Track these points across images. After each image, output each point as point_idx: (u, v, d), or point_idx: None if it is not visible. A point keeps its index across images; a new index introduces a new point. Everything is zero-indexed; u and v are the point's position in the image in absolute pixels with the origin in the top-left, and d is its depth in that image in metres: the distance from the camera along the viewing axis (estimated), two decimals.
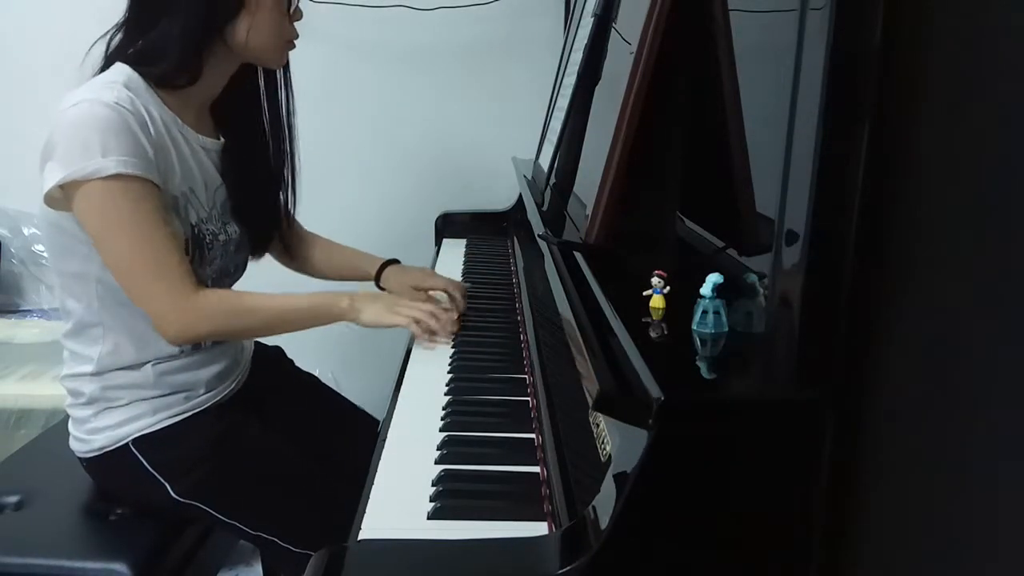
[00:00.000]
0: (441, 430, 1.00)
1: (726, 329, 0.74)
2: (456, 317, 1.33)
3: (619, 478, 0.65)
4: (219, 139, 1.30)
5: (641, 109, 0.91)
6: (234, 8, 1.16)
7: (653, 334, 0.77)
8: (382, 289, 1.50)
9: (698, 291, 0.75)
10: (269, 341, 1.52)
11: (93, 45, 1.19)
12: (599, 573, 0.63)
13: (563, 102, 1.36)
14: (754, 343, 0.73)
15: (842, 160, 0.62)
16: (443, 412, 1.04)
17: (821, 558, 0.67)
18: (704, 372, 0.72)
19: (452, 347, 1.25)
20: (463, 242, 1.96)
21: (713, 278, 0.74)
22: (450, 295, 1.40)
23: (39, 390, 1.92)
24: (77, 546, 1.18)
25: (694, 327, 0.75)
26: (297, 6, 1.25)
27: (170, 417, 1.22)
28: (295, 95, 1.36)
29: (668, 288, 0.79)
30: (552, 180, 1.38)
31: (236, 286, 1.35)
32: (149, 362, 1.21)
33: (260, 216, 1.36)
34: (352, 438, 1.35)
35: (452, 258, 1.81)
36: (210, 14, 1.15)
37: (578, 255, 0.99)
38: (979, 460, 0.54)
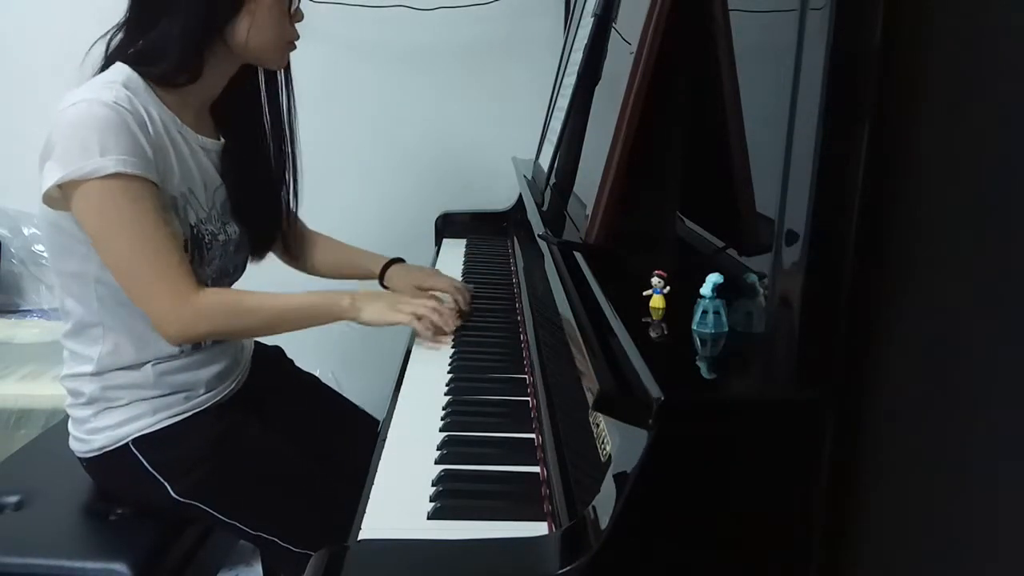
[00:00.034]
0: (441, 430, 1.00)
1: (726, 329, 0.74)
2: (458, 314, 1.33)
3: (619, 478, 0.65)
4: (219, 139, 1.30)
5: (641, 109, 0.91)
6: (234, 7, 1.16)
7: (653, 334, 0.77)
8: (386, 288, 1.50)
9: (698, 291, 0.75)
10: (269, 341, 1.52)
11: (93, 45, 1.19)
12: (599, 573, 0.63)
13: (563, 102, 1.36)
14: (754, 343, 0.73)
15: (842, 160, 0.62)
16: (443, 412, 1.04)
17: (821, 558, 0.67)
18: (704, 372, 0.72)
19: (452, 347, 1.25)
20: (463, 242, 1.96)
21: (713, 278, 0.74)
22: (454, 296, 1.40)
23: (39, 390, 1.92)
24: (77, 546, 1.18)
25: (694, 327, 0.75)
26: (298, 7, 1.25)
27: (170, 417, 1.22)
28: (295, 95, 1.36)
29: (668, 288, 0.79)
30: (552, 180, 1.38)
31: (236, 286, 1.35)
32: (149, 362, 1.21)
33: (260, 216, 1.36)
34: (352, 438, 1.35)
35: (452, 258, 1.81)
36: (210, 14, 1.15)
37: (578, 255, 0.99)
38: (979, 460, 0.54)
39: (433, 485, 0.87)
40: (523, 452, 0.94)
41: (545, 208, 1.35)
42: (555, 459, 0.87)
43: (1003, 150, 0.52)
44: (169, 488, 1.19)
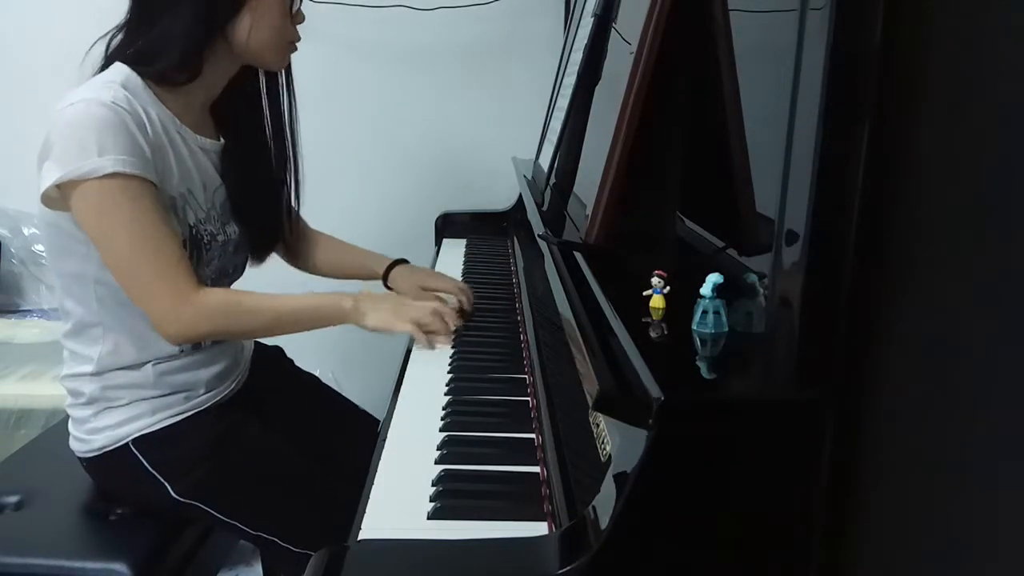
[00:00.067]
0: (441, 430, 1.00)
1: (726, 329, 0.74)
2: (460, 314, 1.32)
3: (619, 478, 0.65)
4: (219, 140, 1.30)
5: (641, 109, 0.91)
6: (236, 6, 1.16)
7: (653, 334, 0.77)
8: (389, 289, 1.49)
9: (698, 291, 0.75)
10: (269, 341, 1.52)
11: (93, 45, 1.19)
12: (599, 573, 0.63)
13: (563, 102, 1.36)
14: (754, 343, 0.73)
15: (842, 160, 0.62)
16: (443, 412, 1.04)
17: (821, 558, 0.67)
18: (704, 372, 0.72)
19: (452, 347, 1.25)
20: (463, 242, 1.96)
21: (713, 278, 0.74)
22: (458, 297, 1.39)
23: (39, 390, 1.92)
24: (77, 546, 1.18)
25: (694, 327, 0.75)
26: (299, 8, 1.25)
27: (170, 417, 1.22)
28: (296, 97, 1.36)
29: (668, 288, 0.79)
30: (552, 180, 1.38)
31: (235, 286, 1.35)
32: (149, 362, 1.21)
33: (260, 217, 1.36)
34: (352, 438, 1.35)
35: (452, 258, 1.81)
36: (212, 11, 1.14)
37: (578, 255, 0.99)
38: (979, 460, 0.54)
39: (433, 485, 0.87)
40: (523, 452, 0.94)
41: (545, 208, 1.35)
42: (555, 459, 0.87)
43: (1003, 150, 0.52)
44: (169, 488, 1.19)
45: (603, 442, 0.73)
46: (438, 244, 1.98)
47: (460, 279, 1.52)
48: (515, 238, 1.84)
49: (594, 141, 1.10)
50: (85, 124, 1.06)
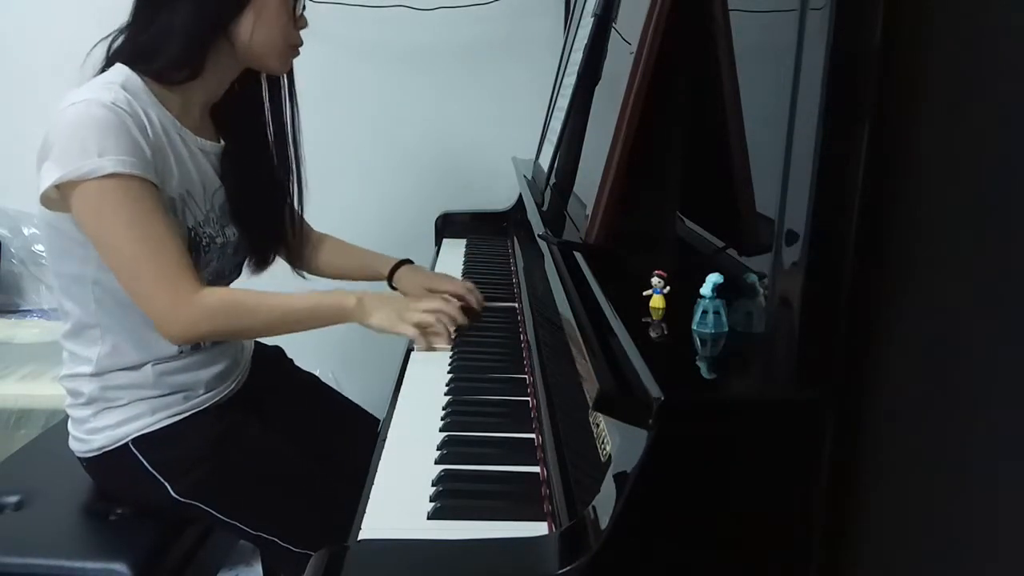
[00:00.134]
0: (441, 430, 1.00)
1: (726, 329, 0.74)
2: (471, 314, 1.31)
3: (619, 478, 0.65)
4: (219, 142, 1.30)
5: (641, 109, 0.91)
6: (239, 4, 1.16)
7: (653, 334, 0.77)
8: (394, 289, 1.49)
9: (698, 291, 0.75)
10: (269, 341, 1.52)
11: (94, 47, 1.19)
12: (599, 573, 0.63)
13: (563, 102, 1.36)
14: (754, 343, 0.73)
15: (842, 160, 0.62)
16: (443, 412, 1.04)
17: (821, 558, 0.67)
18: (704, 372, 0.72)
19: (452, 347, 1.25)
20: (463, 242, 1.96)
21: (713, 278, 0.74)
22: (466, 297, 1.39)
23: (39, 390, 1.92)
24: (77, 546, 1.18)
25: (694, 327, 0.75)
26: (303, 13, 1.25)
27: (170, 417, 1.22)
28: (298, 100, 1.36)
29: (668, 288, 0.79)
30: (552, 180, 1.38)
31: (233, 286, 1.35)
32: (148, 363, 1.21)
33: (259, 220, 1.35)
34: (352, 438, 1.35)
35: (452, 258, 1.81)
36: (214, 9, 1.14)
37: (578, 255, 0.99)
38: (979, 460, 0.54)
39: (433, 485, 0.87)
40: (523, 452, 0.94)
41: (545, 208, 1.35)
42: (555, 459, 0.87)
43: (1003, 150, 0.52)
44: (169, 488, 1.19)
45: (603, 442, 0.73)
46: (438, 244, 1.98)
47: (460, 279, 1.51)
48: (515, 238, 1.84)
49: (594, 141, 1.10)
50: (85, 124, 1.06)
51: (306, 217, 1.52)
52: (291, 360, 1.55)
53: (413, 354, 1.25)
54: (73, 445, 1.24)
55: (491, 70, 2.17)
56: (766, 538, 0.67)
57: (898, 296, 0.63)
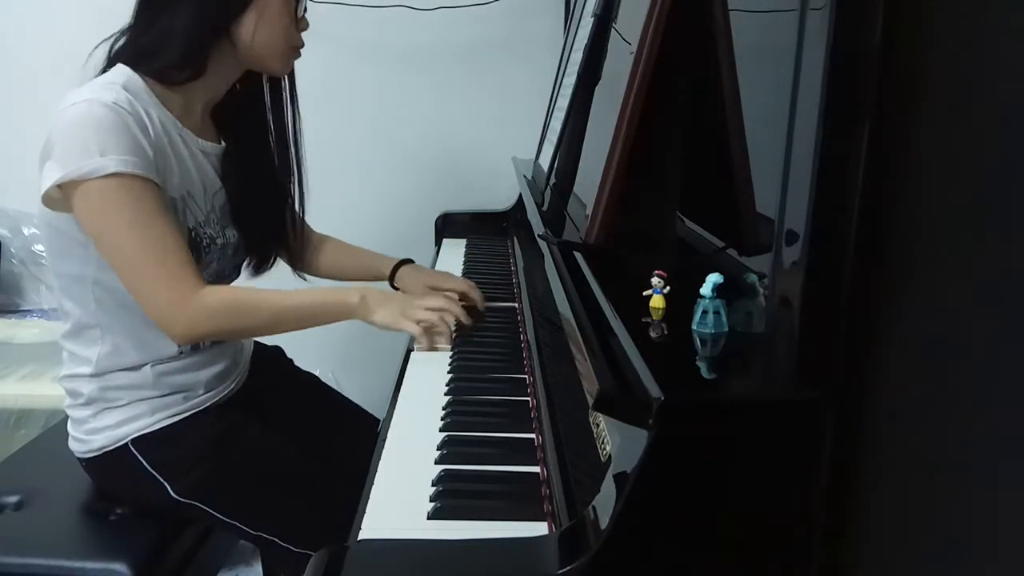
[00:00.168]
0: (441, 430, 1.00)
1: (726, 329, 0.74)
2: (474, 316, 1.31)
3: (619, 478, 0.65)
4: (220, 143, 1.30)
5: (641, 109, 0.91)
6: (241, 5, 1.16)
7: (653, 334, 0.77)
8: (396, 289, 1.48)
9: (698, 291, 0.75)
10: (269, 341, 1.52)
11: (96, 48, 1.19)
12: (599, 573, 0.63)
13: (563, 102, 1.36)
14: (754, 343, 0.73)
15: (842, 160, 0.62)
16: (443, 412, 1.04)
17: (821, 558, 0.67)
18: (704, 372, 0.72)
19: (452, 347, 1.25)
20: (463, 242, 1.96)
21: (713, 278, 0.74)
22: (470, 295, 1.39)
23: (39, 390, 1.92)
24: (77, 546, 1.18)
25: (694, 327, 0.75)
26: (304, 15, 1.25)
27: (169, 417, 1.22)
28: (299, 103, 1.36)
29: (668, 288, 0.79)
30: (552, 180, 1.38)
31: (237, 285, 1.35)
32: (148, 363, 1.21)
33: (259, 221, 1.35)
34: (352, 438, 1.35)
35: (452, 258, 1.81)
36: (216, 9, 1.14)
37: (578, 255, 0.99)
38: (979, 460, 0.54)
39: (433, 485, 0.87)
40: (523, 452, 0.94)
41: (545, 208, 1.35)
42: (555, 459, 0.87)
43: (1003, 150, 0.52)
44: (169, 488, 1.19)
45: (603, 442, 0.73)
46: (438, 244, 1.98)
47: (461, 277, 1.51)
48: (515, 238, 1.84)
49: (594, 141, 1.10)
50: (87, 124, 1.06)
51: (306, 218, 1.52)
52: (291, 360, 1.55)
53: (413, 354, 1.25)
54: (73, 446, 1.24)
55: (491, 70, 2.17)
56: (766, 538, 0.67)
57: (898, 296, 0.63)
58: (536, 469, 0.90)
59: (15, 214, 2.16)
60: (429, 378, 1.15)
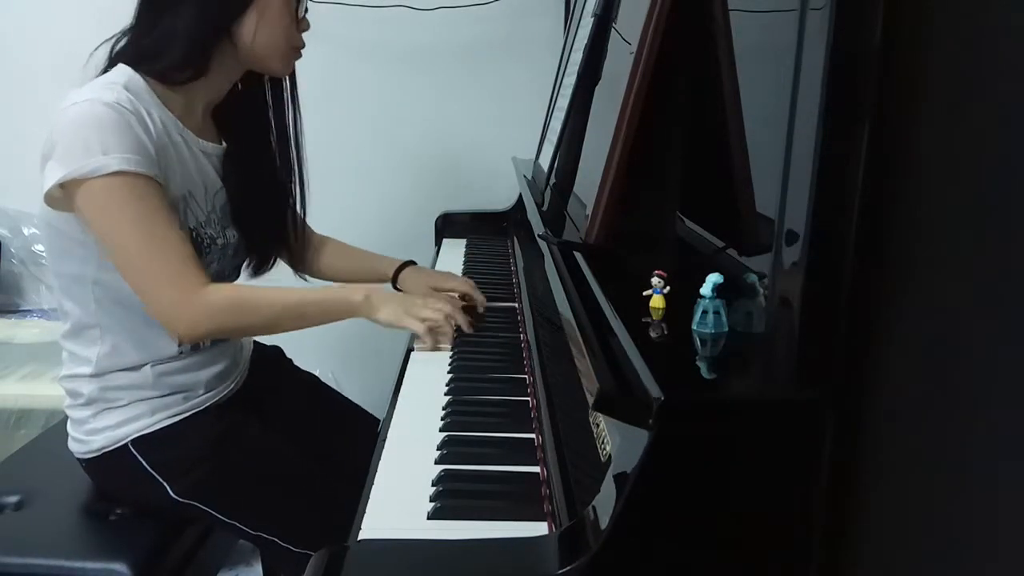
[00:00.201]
0: (441, 430, 1.00)
1: (726, 329, 0.74)
2: (471, 321, 1.32)
3: (619, 478, 0.65)
4: (221, 144, 1.30)
5: (641, 109, 0.91)
6: (242, 5, 1.16)
7: (653, 334, 0.77)
8: (399, 291, 1.48)
9: (698, 291, 0.75)
10: (268, 340, 1.52)
11: (97, 48, 1.19)
12: (599, 573, 0.63)
13: (563, 102, 1.36)
14: (754, 343, 0.73)
15: (842, 160, 0.62)
16: (443, 412, 1.04)
17: (821, 558, 0.67)
18: (704, 372, 0.72)
19: (452, 347, 1.25)
20: (463, 242, 1.96)
21: (713, 278, 0.74)
22: (473, 295, 1.39)
23: (39, 390, 1.92)
24: (77, 546, 1.18)
25: (694, 327, 0.75)
26: (305, 15, 1.25)
27: (169, 417, 1.22)
28: (300, 104, 1.36)
29: (668, 288, 0.79)
30: (552, 180, 1.38)
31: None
32: (148, 363, 1.21)
33: (260, 222, 1.35)
34: (352, 438, 1.35)
35: (452, 258, 1.82)
36: (217, 10, 1.14)
37: (578, 255, 0.99)
38: (979, 460, 0.54)
39: (433, 485, 0.87)
40: (523, 452, 0.94)
41: (545, 208, 1.35)
42: (555, 459, 0.87)
43: (1003, 150, 0.52)
44: (168, 488, 1.19)
45: (603, 442, 0.73)
46: (438, 244, 1.98)
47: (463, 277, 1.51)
48: (515, 238, 1.84)
49: (594, 141, 1.10)
50: (88, 123, 1.06)
51: (306, 218, 1.52)
52: (290, 360, 1.54)
53: (413, 354, 1.25)
54: (72, 446, 1.24)
55: (491, 70, 2.17)
56: (766, 538, 0.67)
57: (898, 296, 0.63)
58: (536, 469, 0.90)
59: (15, 214, 2.16)
60: (429, 378, 1.15)
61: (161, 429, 1.21)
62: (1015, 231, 0.50)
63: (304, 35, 1.26)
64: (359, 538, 0.78)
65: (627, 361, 0.71)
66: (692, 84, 0.97)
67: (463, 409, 1.05)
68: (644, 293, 0.80)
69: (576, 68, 1.27)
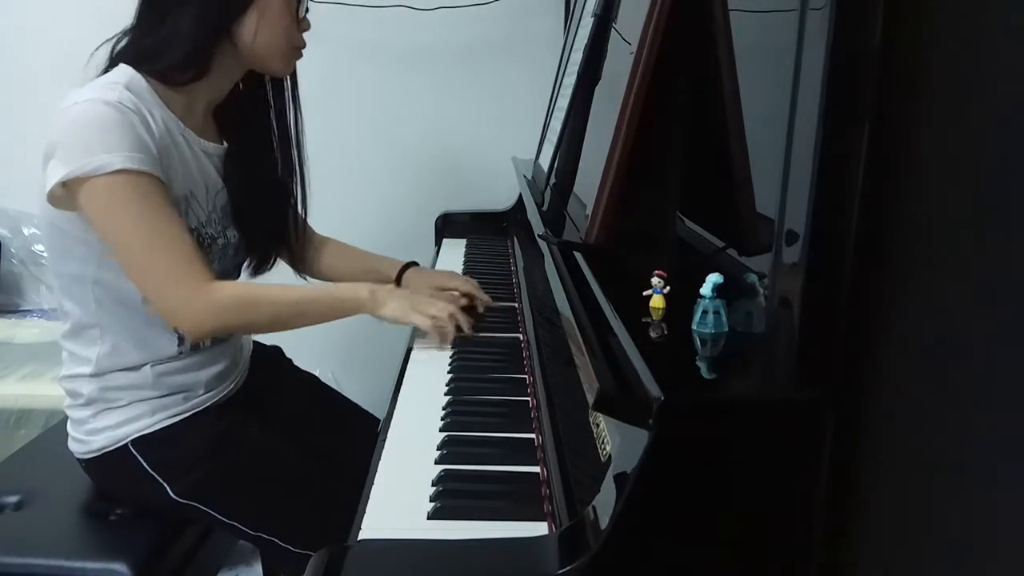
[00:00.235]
0: (441, 430, 1.00)
1: (726, 329, 0.74)
2: (471, 322, 1.32)
3: (619, 478, 0.65)
4: (222, 144, 1.30)
5: (641, 109, 0.91)
6: (242, 5, 1.16)
7: (653, 334, 0.77)
8: None
9: (698, 291, 0.75)
10: (268, 340, 1.51)
11: (97, 48, 1.19)
12: (599, 573, 0.63)
13: (563, 102, 1.36)
14: (754, 343, 0.73)
15: (842, 160, 0.62)
16: (443, 412, 1.04)
17: (821, 558, 0.67)
18: (704, 372, 0.72)
19: (452, 347, 1.25)
20: (463, 242, 1.96)
21: (713, 278, 0.74)
22: (476, 295, 1.39)
23: (39, 390, 1.92)
24: (77, 546, 1.18)
25: (694, 327, 0.75)
26: (305, 15, 1.25)
27: (169, 418, 1.22)
28: (301, 105, 1.36)
29: (668, 288, 0.79)
30: (552, 180, 1.38)
31: None
32: (148, 363, 1.21)
33: (260, 222, 1.35)
34: (352, 438, 1.35)
35: (452, 258, 1.81)
36: (217, 10, 1.15)
37: (578, 255, 0.99)
38: (979, 460, 0.54)
39: (433, 485, 0.87)
40: (523, 452, 0.94)
41: (545, 208, 1.35)
42: (555, 459, 0.87)
43: (1003, 150, 0.52)
44: (168, 489, 1.19)
45: (603, 442, 0.73)
46: (438, 244, 1.98)
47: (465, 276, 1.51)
48: (515, 238, 1.84)
49: (594, 141, 1.10)
50: (90, 123, 1.06)
51: (307, 218, 1.52)
52: (290, 360, 1.54)
53: (413, 354, 1.25)
54: (72, 446, 1.24)
55: (491, 70, 2.17)
56: (766, 538, 0.67)
57: (898, 296, 0.63)
58: (536, 469, 0.90)
59: (15, 214, 2.16)
60: (429, 378, 1.15)
61: (161, 429, 1.21)
62: (1015, 231, 0.50)
63: (304, 35, 1.26)
64: (359, 538, 0.78)
65: (627, 361, 0.71)
66: (692, 84, 0.97)
67: (463, 409, 1.05)
68: (644, 293, 0.80)
69: (576, 68, 1.27)
